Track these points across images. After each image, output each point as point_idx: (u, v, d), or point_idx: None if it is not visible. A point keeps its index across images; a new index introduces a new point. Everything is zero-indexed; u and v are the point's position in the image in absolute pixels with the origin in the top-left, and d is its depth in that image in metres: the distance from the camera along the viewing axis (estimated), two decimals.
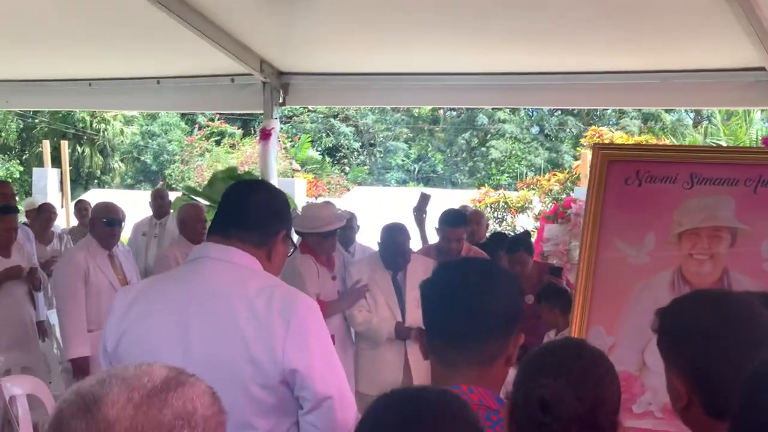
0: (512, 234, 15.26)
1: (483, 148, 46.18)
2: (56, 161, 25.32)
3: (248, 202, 3.73)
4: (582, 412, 2.41)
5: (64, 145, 24.08)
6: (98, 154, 43.42)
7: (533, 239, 12.98)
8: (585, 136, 27.69)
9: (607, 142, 21.38)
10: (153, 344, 3.45)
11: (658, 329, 2.80)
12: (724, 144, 25.69)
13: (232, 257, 3.60)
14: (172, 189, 26.84)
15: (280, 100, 11.45)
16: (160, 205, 12.44)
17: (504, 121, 45.14)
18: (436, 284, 3.01)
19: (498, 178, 43.58)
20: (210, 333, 3.44)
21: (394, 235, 8.36)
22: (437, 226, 9.07)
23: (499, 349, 2.89)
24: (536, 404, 2.42)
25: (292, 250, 3.94)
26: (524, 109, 43.83)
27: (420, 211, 9.82)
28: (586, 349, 2.66)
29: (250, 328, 3.42)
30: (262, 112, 11.61)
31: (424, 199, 9.99)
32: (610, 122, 42.29)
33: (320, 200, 21.72)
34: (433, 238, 9.79)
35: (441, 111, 48.04)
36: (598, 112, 42.81)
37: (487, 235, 11.93)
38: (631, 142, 23.96)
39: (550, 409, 2.40)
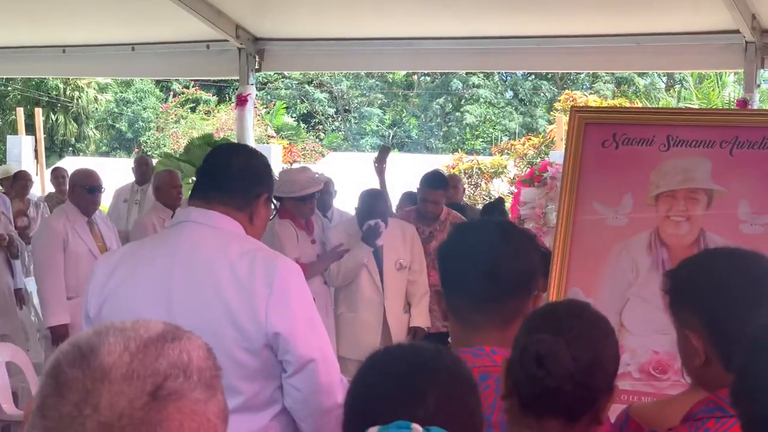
0: (486, 200, 15.28)
1: (457, 113, 46.08)
2: (30, 129, 25.16)
3: (229, 166, 3.72)
4: (576, 371, 2.41)
5: (39, 112, 23.91)
6: (72, 122, 43.14)
7: (509, 204, 13.02)
8: (559, 101, 27.71)
9: (581, 105, 21.40)
10: (136, 309, 3.43)
11: (670, 289, 2.80)
12: (697, 107, 25.77)
13: (213, 221, 3.60)
14: (148, 156, 26.74)
15: (256, 66, 11.44)
16: (143, 171, 12.40)
17: (478, 86, 45.03)
18: (456, 246, 3.02)
19: (472, 142, 43.53)
20: (193, 297, 3.46)
21: (371, 201, 8.39)
22: (417, 188, 9.13)
23: (520, 309, 2.89)
24: (531, 358, 2.41)
25: (273, 213, 3.94)
26: (498, 73, 43.76)
27: (381, 162, 9.85)
28: (588, 311, 2.65)
29: (233, 292, 3.43)
30: (237, 78, 11.61)
31: (384, 150, 10.04)
32: (584, 86, 42.28)
33: (296, 166, 21.69)
34: (393, 191, 9.85)
35: (415, 76, 47.93)
36: (571, 77, 42.75)
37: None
38: (606, 105, 23.99)
39: (545, 363, 2.39)
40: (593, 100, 25.07)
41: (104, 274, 3.63)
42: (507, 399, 2.53)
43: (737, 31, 9.18)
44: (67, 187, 9.39)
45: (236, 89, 11.97)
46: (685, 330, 2.72)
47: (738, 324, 2.57)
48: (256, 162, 3.81)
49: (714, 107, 24.02)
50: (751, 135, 5.14)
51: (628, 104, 28.45)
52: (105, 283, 3.60)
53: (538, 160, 20.40)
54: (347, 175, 18.48)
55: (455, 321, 2.97)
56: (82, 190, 8.45)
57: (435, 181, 9.08)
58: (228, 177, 3.68)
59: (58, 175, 13.92)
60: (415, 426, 2.00)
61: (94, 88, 42.98)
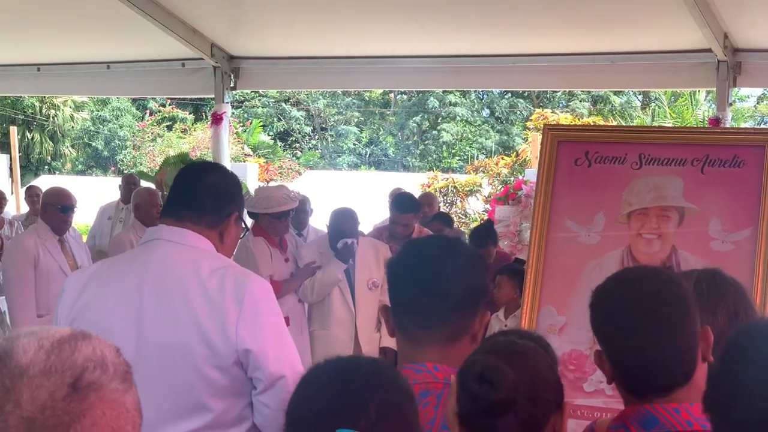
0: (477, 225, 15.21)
1: (434, 131, 46.23)
2: (5, 147, 25.14)
3: (200, 184, 3.73)
4: (521, 381, 2.42)
5: (14, 130, 23.86)
6: (48, 140, 43.07)
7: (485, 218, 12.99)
8: (531, 120, 27.80)
9: (553, 123, 21.47)
10: (106, 327, 3.42)
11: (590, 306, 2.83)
12: (671, 125, 25.90)
13: (185, 239, 3.61)
14: (135, 175, 26.68)
15: (231, 85, 11.42)
16: (130, 190, 12.32)
17: (455, 104, 45.15)
18: (402, 262, 3.00)
19: (449, 161, 43.65)
20: (163, 315, 3.46)
21: (341, 221, 8.38)
22: (389, 208, 9.16)
23: (465, 327, 2.88)
24: (472, 379, 2.41)
25: (244, 232, 3.95)
26: (474, 92, 43.88)
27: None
28: (517, 339, 2.71)
29: (203, 310, 3.44)
30: (213, 96, 11.59)
31: None
32: (560, 104, 42.48)
33: (272, 184, 21.66)
34: (370, 210, 9.88)
35: (392, 94, 48.09)
36: (548, 95, 42.94)
37: None
38: (579, 123, 24.08)
39: (485, 377, 2.39)
40: (565, 118, 25.13)
41: (74, 291, 3.63)
42: None
43: (709, 50, 9.22)
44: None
45: (213, 107, 11.94)
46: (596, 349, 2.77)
47: (626, 347, 2.64)
48: (227, 181, 3.82)
49: (687, 125, 24.15)
50: (723, 153, 5.17)
51: (602, 122, 28.57)
52: (75, 301, 3.60)
53: (513, 179, 20.44)
54: (324, 194, 18.51)
55: (401, 337, 2.96)
56: (54, 209, 8.40)
57: (405, 204, 9.09)
58: (199, 195, 3.69)
59: (32, 194, 13.83)
60: None
61: (70, 107, 42.92)
